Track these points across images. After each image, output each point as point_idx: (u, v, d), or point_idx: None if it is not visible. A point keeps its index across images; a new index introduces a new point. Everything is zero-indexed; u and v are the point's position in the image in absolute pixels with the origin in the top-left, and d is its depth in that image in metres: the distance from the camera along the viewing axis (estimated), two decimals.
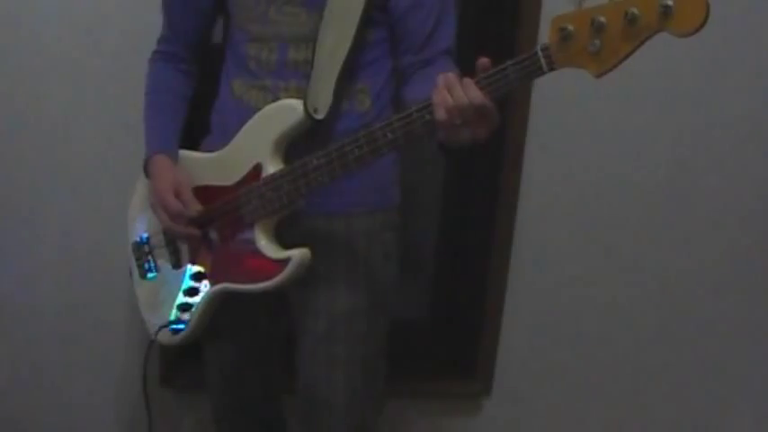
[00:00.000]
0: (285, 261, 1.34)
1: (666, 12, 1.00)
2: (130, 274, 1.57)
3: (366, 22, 1.34)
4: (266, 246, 1.36)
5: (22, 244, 1.97)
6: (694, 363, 2.26)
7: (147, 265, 1.54)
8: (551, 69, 1.09)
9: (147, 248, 1.54)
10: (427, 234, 2.45)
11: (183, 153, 1.48)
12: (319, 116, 1.34)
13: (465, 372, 2.23)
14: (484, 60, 1.13)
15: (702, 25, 1.00)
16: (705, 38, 2.13)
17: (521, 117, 1.98)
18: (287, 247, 1.36)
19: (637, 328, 2.21)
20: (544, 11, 1.88)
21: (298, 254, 1.33)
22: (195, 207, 1.39)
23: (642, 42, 1.04)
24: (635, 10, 1.01)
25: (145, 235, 1.54)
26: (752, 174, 2.12)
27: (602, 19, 1.04)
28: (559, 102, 1.95)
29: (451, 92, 1.13)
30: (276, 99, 1.37)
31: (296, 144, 1.35)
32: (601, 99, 1.99)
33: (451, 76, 1.15)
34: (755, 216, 2.15)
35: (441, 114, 1.14)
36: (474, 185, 2.25)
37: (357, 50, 1.35)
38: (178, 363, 2.05)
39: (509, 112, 1.99)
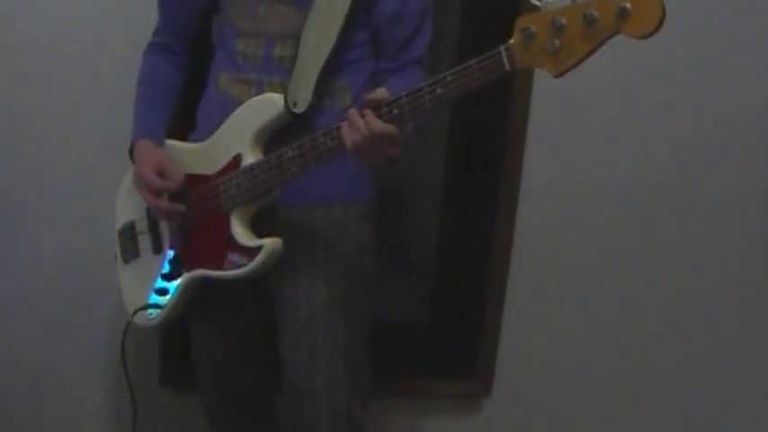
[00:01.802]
0: (257, 249, 1.38)
1: (623, 14, 1.04)
2: (115, 258, 1.62)
3: (350, 23, 1.39)
4: (240, 234, 1.41)
5: (21, 243, 1.97)
6: (694, 362, 2.26)
7: (130, 251, 1.58)
8: (513, 68, 1.14)
9: (131, 234, 1.58)
10: (427, 234, 2.46)
11: (169, 142, 1.53)
12: (298, 110, 1.38)
13: (465, 372, 2.23)
14: (377, 92, 1.24)
15: (658, 28, 1.03)
16: (705, 38, 2.13)
17: (521, 117, 1.98)
18: (264, 236, 1.40)
19: (636, 328, 2.21)
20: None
21: (269, 242, 1.38)
22: (177, 177, 1.44)
23: (601, 43, 1.08)
24: (593, 12, 1.06)
25: (129, 220, 1.58)
26: (752, 174, 2.11)
27: (563, 20, 1.09)
28: (559, 102, 1.95)
29: (354, 126, 1.23)
30: (259, 93, 1.42)
31: (278, 138, 1.39)
32: (601, 99, 1.99)
33: (352, 111, 1.24)
34: (756, 216, 2.15)
35: (348, 144, 1.25)
36: (474, 185, 2.25)
37: (340, 50, 1.40)
38: (178, 363, 2.05)
39: (509, 111, 1.99)
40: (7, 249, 1.97)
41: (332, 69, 1.40)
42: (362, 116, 1.23)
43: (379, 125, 1.21)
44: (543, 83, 1.93)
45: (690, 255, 2.16)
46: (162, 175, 1.43)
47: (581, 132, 2.04)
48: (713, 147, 2.08)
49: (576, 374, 2.24)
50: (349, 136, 1.24)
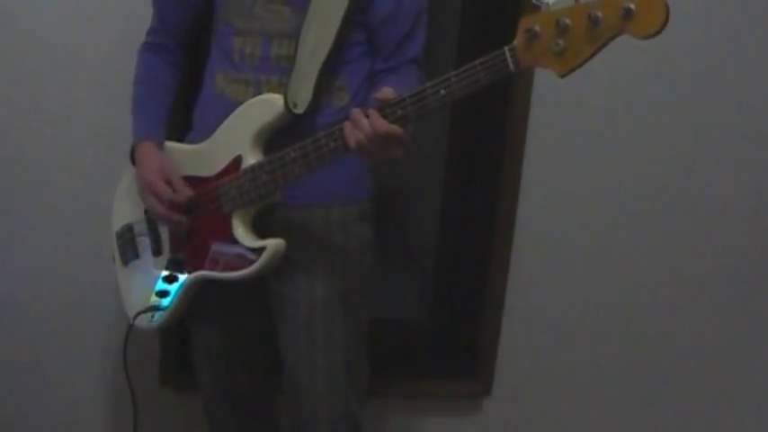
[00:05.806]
0: (260, 250, 1.39)
1: (628, 14, 1.05)
2: (113, 260, 1.62)
3: (348, 22, 1.40)
4: (243, 235, 1.41)
5: (21, 243, 1.97)
6: (694, 363, 2.25)
7: (128, 253, 1.58)
8: (517, 68, 1.15)
9: (129, 236, 1.58)
10: (427, 234, 2.46)
11: (168, 144, 1.52)
12: (298, 111, 1.39)
13: (465, 372, 2.23)
14: (383, 92, 1.24)
15: (662, 28, 1.03)
16: (705, 37, 2.13)
17: (521, 117, 1.98)
18: (265, 237, 1.40)
19: (636, 328, 2.21)
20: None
21: (273, 243, 1.39)
22: (186, 192, 1.44)
23: (605, 44, 1.09)
24: (598, 12, 1.07)
25: (128, 222, 1.58)
26: (752, 174, 2.11)
27: (567, 20, 1.10)
28: (559, 102, 1.95)
29: (357, 125, 1.24)
30: (257, 93, 1.42)
31: (277, 138, 1.40)
32: (601, 99, 1.99)
33: (356, 111, 1.25)
34: (756, 216, 2.15)
35: (352, 144, 1.25)
36: (474, 185, 2.25)
37: (338, 49, 1.41)
38: (178, 363, 2.05)
39: (509, 112, 1.99)
40: (7, 249, 1.97)
41: (330, 69, 1.41)
42: (367, 116, 1.23)
43: (383, 125, 1.22)
44: (543, 83, 1.93)
45: (690, 255, 2.16)
46: (167, 181, 1.43)
47: (581, 132, 2.04)
48: (713, 147, 2.08)
49: (576, 375, 2.23)
50: (352, 136, 1.24)
